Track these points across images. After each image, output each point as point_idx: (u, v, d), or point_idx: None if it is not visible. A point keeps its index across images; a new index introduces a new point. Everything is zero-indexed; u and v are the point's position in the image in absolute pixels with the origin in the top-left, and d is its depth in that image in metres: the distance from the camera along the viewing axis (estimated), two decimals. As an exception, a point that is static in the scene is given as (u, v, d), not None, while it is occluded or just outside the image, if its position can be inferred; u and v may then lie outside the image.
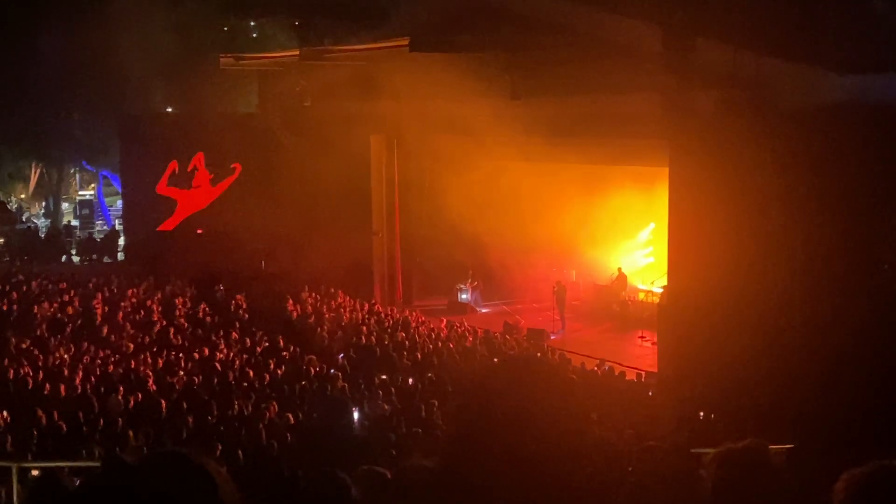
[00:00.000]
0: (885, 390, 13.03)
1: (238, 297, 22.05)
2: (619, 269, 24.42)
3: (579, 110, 19.01)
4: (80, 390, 15.15)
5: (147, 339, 18.57)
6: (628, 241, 25.02)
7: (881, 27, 16.20)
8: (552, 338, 21.44)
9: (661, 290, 22.56)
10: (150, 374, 16.08)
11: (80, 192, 40.38)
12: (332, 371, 16.69)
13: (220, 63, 24.56)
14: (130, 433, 12.70)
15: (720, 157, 16.35)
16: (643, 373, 17.71)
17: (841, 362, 14.21)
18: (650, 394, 16.03)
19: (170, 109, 30.58)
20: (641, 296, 23.81)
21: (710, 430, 14.00)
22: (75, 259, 30.46)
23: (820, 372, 14.55)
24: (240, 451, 11.72)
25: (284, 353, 17.93)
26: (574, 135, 19.37)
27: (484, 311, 24.86)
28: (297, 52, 23.14)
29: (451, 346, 18.59)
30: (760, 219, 15.91)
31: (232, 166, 26.39)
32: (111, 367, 16.73)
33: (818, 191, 15.08)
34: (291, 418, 13.65)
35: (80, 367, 16.50)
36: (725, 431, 13.63)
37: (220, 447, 11.78)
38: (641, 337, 21.54)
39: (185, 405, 14.30)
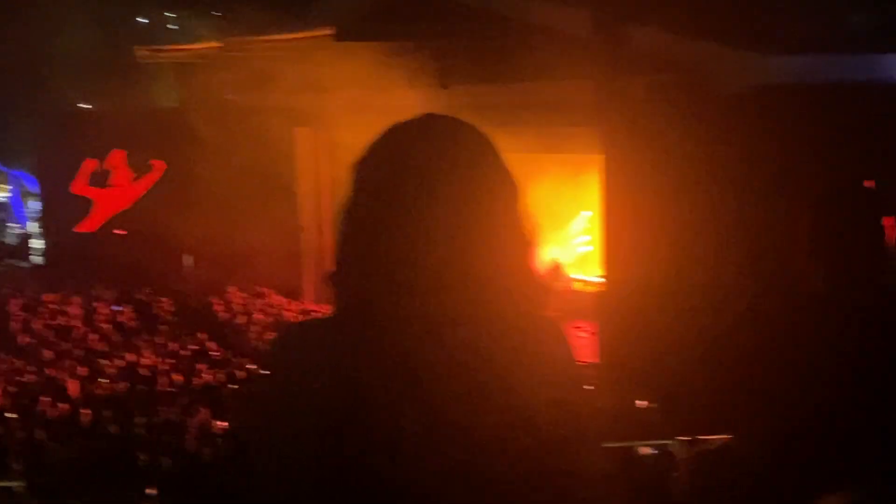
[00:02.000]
0: (824, 376, 12.95)
1: (163, 299, 21.33)
2: (554, 260, 24.20)
3: (509, 98, 18.70)
4: (-6, 402, 14.44)
5: (67, 346, 17.84)
6: (562, 230, 24.83)
7: (810, 8, 16.20)
8: (488, 331, 21.14)
9: (597, 280, 22.43)
10: (72, 382, 15.41)
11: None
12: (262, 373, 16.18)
13: (136, 56, 23.70)
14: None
15: (653, 142, 16.20)
16: (582, 364, 17.48)
17: (782, 348, 14.15)
18: (588, 385, 15.77)
19: (86, 106, 29.50)
20: (577, 286, 23.62)
21: (648, 420, 13.86)
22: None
23: (760, 358, 14.48)
24: (168, 460, 11.26)
25: (213, 355, 17.36)
26: (504, 123, 18.74)
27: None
28: (219, 44, 22.41)
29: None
30: (696, 204, 15.80)
31: (154, 164, 25.52)
32: (30, 376, 16.01)
33: (753, 173, 15.02)
34: (222, 424, 13.16)
35: (-4, 377, 15.77)
36: (664, 421, 13.51)
37: (146, 457, 11.29)
38: (578, 327, 21.31)
39: (109, 414, 13.73)
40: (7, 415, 13.73)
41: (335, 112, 21.56)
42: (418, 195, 1.75)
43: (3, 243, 30.95)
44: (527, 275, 1.82)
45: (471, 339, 1.73)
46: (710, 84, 15.51)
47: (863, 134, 13.45)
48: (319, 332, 1.97)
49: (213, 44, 22.81)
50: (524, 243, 1.84)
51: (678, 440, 8.94)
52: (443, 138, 1.82)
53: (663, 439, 9.82)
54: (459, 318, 1.81)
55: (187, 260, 25.05)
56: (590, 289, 23.02)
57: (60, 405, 13.86)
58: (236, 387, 15.28)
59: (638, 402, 14.58)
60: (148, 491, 10.21)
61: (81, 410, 13.67)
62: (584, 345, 20.10)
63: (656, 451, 7.40)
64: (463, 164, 1.80)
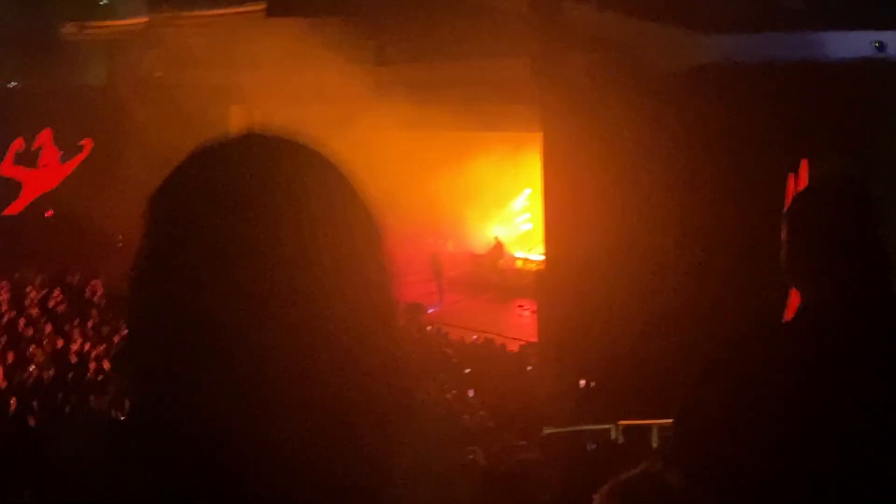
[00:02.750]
0: (768, 351, 13.02)
1: (93, 282, 20.76)
2: (496, 238, 24.14)
3: (447, 75, 18.49)
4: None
5: (-6, 333, 17.24)
6: (504, 208, 24.76)
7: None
8: (430, 311, 20.98)
9: (538, 258, 22.41)
10: (-2, 370, 14.90)
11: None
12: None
13: (63, 33, 22.96)
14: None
15: (592, 120, 16.13)
16: (523, 343, 17.44)
17: (723, 325, 14.19)
18: (529, 368, 15.73)
19: (13, 84, 28.49)
20: (519, 263, 23.59)
21: (590, 400, 13.84)
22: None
23: (700, 336, 14.51)
24: (97, 449, 10.91)
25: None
26: (443, 101, 18.82)
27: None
28: (147, 20, 21.79)
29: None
30: (635, 182, 15.77)
31: (81, 143, 24.79)
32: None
33: (691, 151, 15.00)
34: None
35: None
36: (606, 401, 13.50)
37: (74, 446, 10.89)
38: (520, 306, 21.32)
39: (34, 403, 13.28)
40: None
41: (270, 89, 21.12)
42: (232, 236, 1.37)
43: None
44: (376, 323, 1.43)
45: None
46: (647, 63, 15.44)
47: (797, 112, 13.49)
48: None
49: (142, 19, 22.19)
50: (375, 287, 1.44)
51: (619, 425, 8.88)
52: (263, 163, 1.41)
53: (604, 422, 9.76)
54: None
55: (119, 242, 24.41)
56: (531, 266, 23.04)
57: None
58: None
59: (581, 382, 14.59)
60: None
61: (6, 398, 13.19)
62: (527, 323, 20.14)
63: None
64: (290, 196, 1.39)
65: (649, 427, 8.89)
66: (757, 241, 14.33)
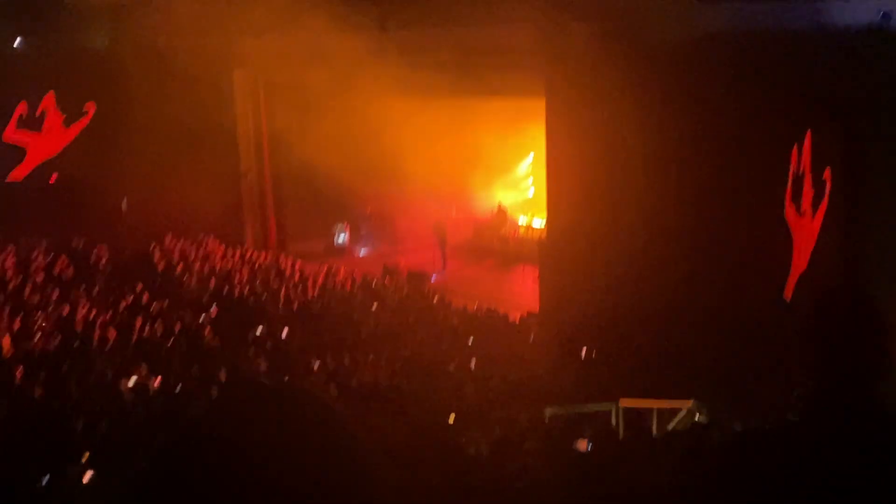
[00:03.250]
0: (764, 322, 13.10)
1: (99, 247, 20.81)
2: (499, 204, 24.12)
3: (451, 41, 18.40)
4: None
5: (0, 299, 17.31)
6: (507, 174, 24.71)
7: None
8: (433, 279, 21.05)
9: (540, 225, 22.43)
10: (4, 337, 14.97)
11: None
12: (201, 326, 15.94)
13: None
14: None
15: (596, 89, 16.10)
16: (525, 312, 17.50)
17: (723, 294, 14.25)
18: (531, 338, 15.81)
19: (16, 44, 28.30)
20: (522, 230, 23.61)
21: (591, 368, 13.95)
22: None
23: (700, 305, 14.59)
24: (102, 423, 11.00)
25: (152, 307, 17.01)
26: (447, 67, 18.73)
27: (362, 253, 24.26)
28: (151, -17, 21.67)
29: (329, 294, 17.99)
30: (638, 150, 15.77)
31: (85, 107, 24.72)
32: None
33: (693, 120, 14.98)
34: (159, 381, 12.94)
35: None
36: (605, 369, 13.61)
37: (79, 422, 11.01)
38: (523, 274, 21.36)
39: (41, 372, 13.37)
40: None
41: (273, 55, 21.04)
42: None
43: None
44: None
45: None
46: (651, 31, 15.35)
47: (801, 82, 13.40)
48: None
49: (145, -17, 22.06)
50: None
51: (620, 404, 8.92)
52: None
53: (605, 398, 9.82)
54: None
55: (124, 206, 24.48)
56: (534, 233, 23.06)
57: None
58: (174, 342, 15.01)
59: (581, 351, 14.68)
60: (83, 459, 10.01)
61: (13, 369, 13.28)
62: (529, 291, 20.20)
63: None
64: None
65: (650, 411, 8.95)
66: (759, 211, 14.40)
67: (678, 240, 15.48)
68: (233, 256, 20.93)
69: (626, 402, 9.06)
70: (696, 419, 8.56)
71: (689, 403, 9.01)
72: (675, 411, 9.02)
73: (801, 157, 13.17)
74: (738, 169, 14.63)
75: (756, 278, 14.20)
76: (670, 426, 8.75)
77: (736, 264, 14.51)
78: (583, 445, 6.64)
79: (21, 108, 24.93)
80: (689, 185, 15.32)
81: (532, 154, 23.78)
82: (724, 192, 14.86)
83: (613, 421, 8.95)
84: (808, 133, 13.11)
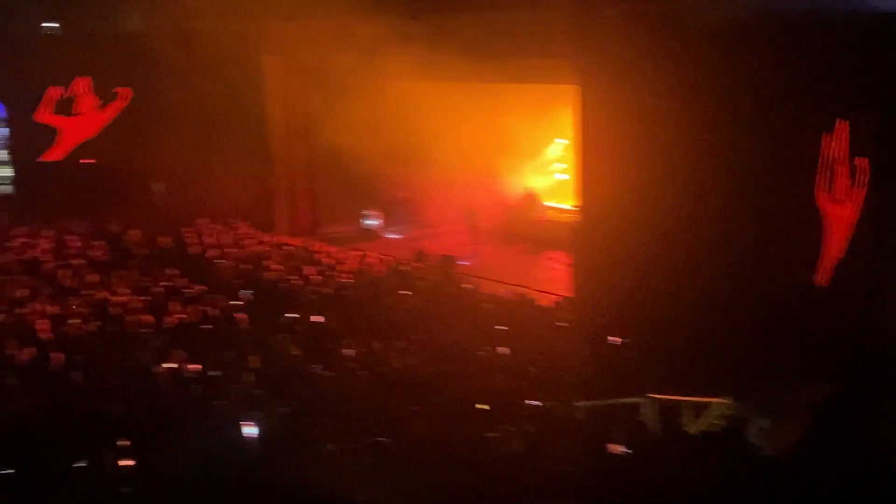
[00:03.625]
0: (800, 312, 13.04)
1: (133, 231, 21.05)
2: (529, 188, 24.08)
3: (482, 28, 18.35)
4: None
5: (37, 283, 17.57)
6: (538, 158, 24.64)
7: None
8: (462, 263, 21.06)
9: (570, 208, 22.36)
10: (43, 322, 15.21)
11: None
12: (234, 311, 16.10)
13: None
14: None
15: (629, 73, 15.97)
16: (556, 297, 17.50)
17: (757, 282, 14.18)
18: (560, 323, 15.78)
19: (51, 25, 28.47)
20: (552, 214, 23.56)
21: (622, 357, 13.93)
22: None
23: (734, 292, 14.52)
24: (139, 408, 11.15)
25: (186, 291, 17.19)
26: (478, 53, 18.68)
27: (393, 237, 24.33)
28: (183, -32, 21.77)
29: (360, 279, 18.07)
30: (671, 135, 15.66)
31: (119, 91, 24.95)
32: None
33: (728, 106, 14.86)
34: (195, 368, 13.09)
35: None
36: (639, 358, 13.58)
37: (116, 408, 11.18)
38: (553, 259, 21.33)
39: (80, 358, 13.58)
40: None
41: (304, 40, 21.10)
42: None
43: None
44: None
45: None
46: (685, 15, 15.21)
47: (836, 68, 13.26)
48: None
49: (178, -32, 22.15)
50: None
51: (652, 398, 8.90)
52: None
53: (636, 388, 9.81)
54: None
55: (157, 190, 24.70)
56: (564, 218, 23.00)
57: (28, 349, 13.64)
58: (209, 327, 15.16)
59: (610, 338, 14.66)
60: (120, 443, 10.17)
61: (51, 354, 13.50)
62: (559, 276, 20.20)
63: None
64: None
65: (681, 405, 8.92)
66: (792, 199, 14.30)
67: (712, 225, 15.38)
68: (264, 241, 21.10)
69: (657, 397, 9.04)
70: (728, 416, 8.53)
71: (722, 399, 8.98)
72: (706, 406, 9.00)
73: (837, 143, 13.06)
74: (773, 154, 14.51)
75: (790, 265, 14.12)
76: (701, 422, 8.73)
77: (769, 250, 14.43)
78: (617, 448, 6.67)
79: (56, 92, 25.20)
80: (723, 169, 15.20)
81: (563, 139, 23.69)
82: (758, 177, 14.74)
83: (644, 416, 8.95)
84: (844, 120, 12.99)
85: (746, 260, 14.61)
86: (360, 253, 20.25)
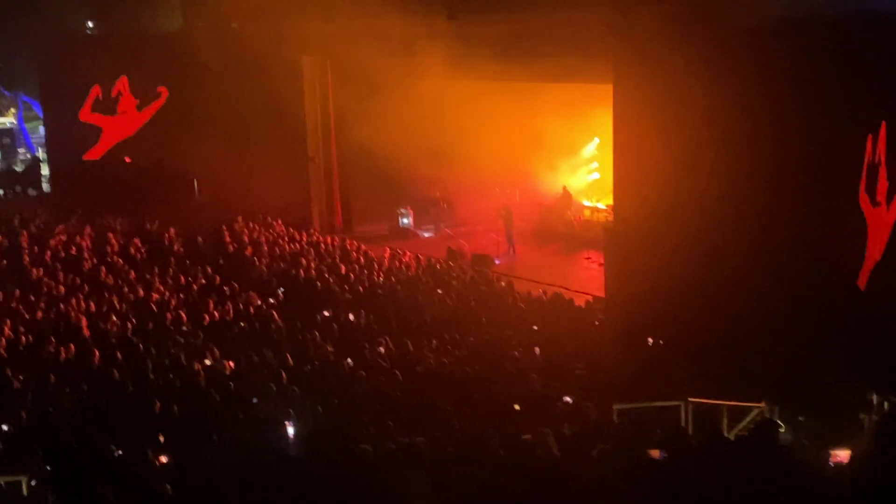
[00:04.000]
0: (841, 315, 12.90)
1: (171, 229, 21.28)
2: (564, 188, 24.04)
3: (519, 28, 18.35)
4: (7, 342, 14.45)
5: (77, 280, 17.81)
6: (572, 157, 24.58)
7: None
8: (497, 262, 21.09)
9: (605, 208, 22.31)
10: (82, 319, 15.43)
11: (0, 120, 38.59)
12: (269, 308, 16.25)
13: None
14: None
15: (665, 73, 15.87)
16: (591, 298, 17.46)
17: (794, 284, 14.03)
18: (597, 322, 15.77)
19: (90, 25, 28.91)
20: (587, 214, 23.51)
21: (658, 357, 13.88)
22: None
23: (771, 295, 14.40)
24: (175, 408, 11.25)
25: (223, 289, 17.37)
26: (513, 53, 18.69)
27: (426, 235, 24.40)
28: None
29: (394, 278, 18.14)
30: (707, 136, 15.54)
31: (158, 90, 25.23)
32: (40, 313, 16.03)
33: (765, 107, 14.70)
34: (231, 365, 13.22)
35: (8, 314, 15.77)
36: (674, 359, 13.52)
37: (157, 404, 11.32)
38: (588, 258, 21.28)
39: (119, 354, 13.76)
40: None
41: (341, 40, 21.22)
42: None
43: (12, 170, 30.74)
44: None
45: None
46: (722, 16, 15.09)
47: (878, 69, 13.08)
48: None
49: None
50: None
51: (690, 401, 8.84)
52: None
53: (672, 390, 9.77)
54: None
55: (195, 189, 24.96)
56: (600, 217, 22.96)
57: (68, 346, 13.85)
58: (244, 325, 15.30)
59: (645, 339, 14.61)
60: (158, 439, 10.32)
61: (91, 350, 13.70)
62: (594, 276, 20.14)
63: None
64: None
65: (720, 409, 8.87)
66: (832, 201, 14.13)
67: (748, 227, 15.24)
68: (300, 239, 21.24)
69: (695, 400, 9.00)
70: (768, 421, 8.48)
71: (761, 404, 8.93)
72: (745, 411, 8.95)
73: (877, 146, 12.90)
74: (811, 156, 14.35)
75: (829, 267, 13.97)
76: (741, 427, 8.70)
77: (808, 253, 14.27)
78: (656, 453, 6.68)
79: (96, 91, 25.55)
80: (759, 172, 15.05)
81: (597, 138, 23.63)
82: (796, 180, 14.58)
83: (683, 419, 8.92)
84: (884, 122, 12.81)
85: (786, 262, 14.45)
86: (395, 251, 20.33)
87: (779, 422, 8.41)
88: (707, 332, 14.57)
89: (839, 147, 13.72)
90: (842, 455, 7.19)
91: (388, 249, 20.61)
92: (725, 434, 8.45)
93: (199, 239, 20.78)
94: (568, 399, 10.86)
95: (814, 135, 14.22)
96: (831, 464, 7.23)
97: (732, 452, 6.37)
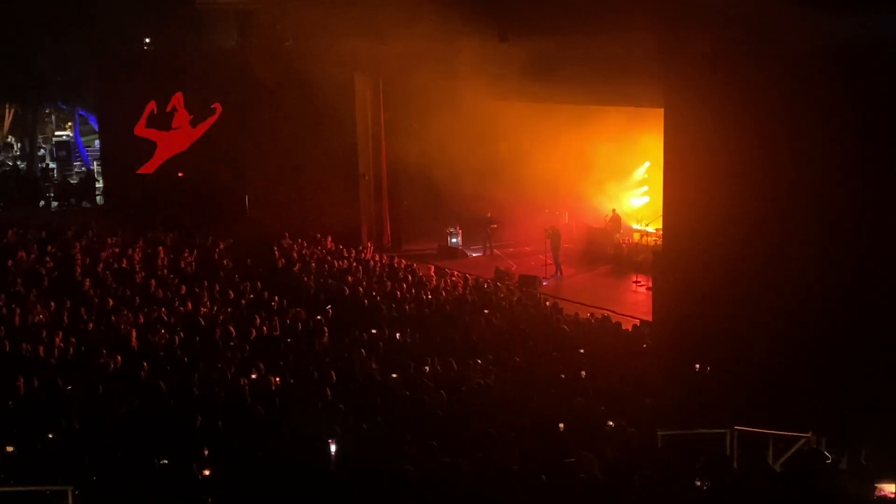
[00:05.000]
0: (889, 346, 12.69)
1: (221, 244, 21.53)
2: (613, 211, 23.93)
3: (570, 51, 18.35)
4: (58, 352, 14.68)
5: (128, 292, 18.06)
6: (622, 180, 24.47)
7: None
8: (544, 284, 21.01)
9: (655, 231, 22.16)
10: (132, 331, 15.63)
11: (57, 133, 39.41)
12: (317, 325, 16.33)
13: (196, 2, 23.70)
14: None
15: (715, 98, 15.79)
16: (638, 321, 17.32)
17: (846, 309, 13.82)
18: (644, 346, 15.63)
19: (147, 41, 29.47)
20: (636, 237, 23.36)
21: (704, 384, 13.74)
22: (54, 204, 29.83)
23: (818, 321, 14.19)
24: (220, 422, 11.32)
25: (271, 304, 17.50)
26: (564, 75, 18.69)
27: (475, 255, 24.41)
28: (278, -10, 22.34)
29: (441, 297, 18.16)
30: (757, 162, 15.41)
31: (212, 106, 25.61)
32: (91, 324, 16.27)
33: (814, 132, 14.56)
34: (277, 381, 13.30)
35: (59, 325, 16.03)
36: (721, 385, 13.37)
37: (199, 419, 11.41)
38: (636, 282, 21.13)
39: (166, 367, 13.91)
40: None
41: (394, 60, 21.39)
42: None
43: (67, 182, 31.39)
44: None
45: None
46: (774, 41, 14.98)
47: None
48: None
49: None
50: None
51: (735, 429, 8.72)
52: None
53: (718, 417, 9.66)
54: None
55: (246, 204, 25.25)
56: (649, 241, 22.79)
57: (117, 358, 14.04)
58: (290, 340, 15.40)
59: (691, 365, 14.46)
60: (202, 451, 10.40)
61: (140, 362, 13.87)
62: (642, 300, 20.00)
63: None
64: None
65: (766, 438, 8.73)
66: (883, 227, 13.92)
67: (797, 253, 15.06)
68: (348, 256, 21.36)
69: (741, 429, 8.87)
70: (814, 451, 8.34)
71: (808, 434, 8.78)
72: (792, 440, 8.81)
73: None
74: (861, 180, 14.18)
75: (881, 295, 13.74)
76: (785, 458, 8.55)
77: (860, 280, 14.06)
78: (699, 483, 6.60)
79: (151, 106, 26.02)
80: (809, 197, 14.89)
81: (647, 162, 23.51)
82: (846, 205, 14.41)
83: (728, 448, 8.80)
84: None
85: (836, 289, 14.25)
86: (442, 270, 20.36)
87: (825, 452, 8.29)
88: (754, 359, 14.40)
89: (890, 171, 13.55)
90: (888, 489, 7.07)
91: (433, 268, 20.65)
92: (770, 464, 8.31)
93: (249, 254, 20.98)
94: (611, 423, 10.79)
95: (863, 159, 14.05)
96: (877, 497, 7.12)
97: (776, 483, 6.28)
